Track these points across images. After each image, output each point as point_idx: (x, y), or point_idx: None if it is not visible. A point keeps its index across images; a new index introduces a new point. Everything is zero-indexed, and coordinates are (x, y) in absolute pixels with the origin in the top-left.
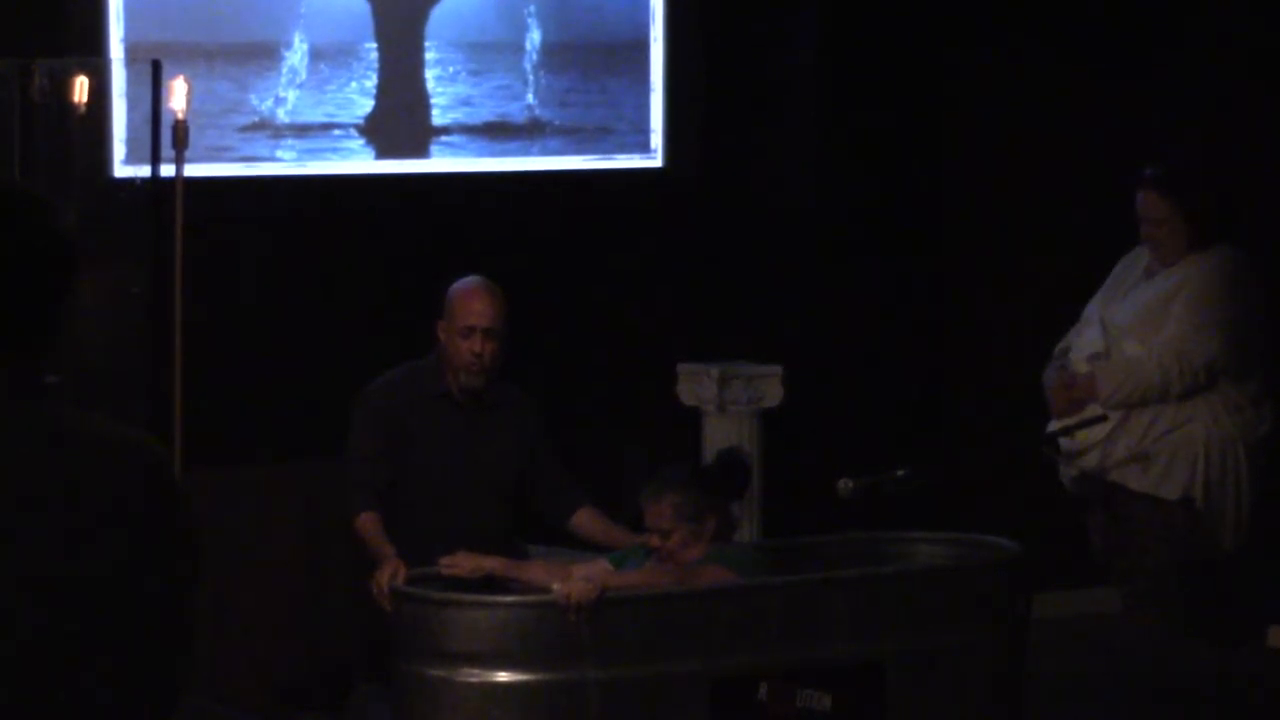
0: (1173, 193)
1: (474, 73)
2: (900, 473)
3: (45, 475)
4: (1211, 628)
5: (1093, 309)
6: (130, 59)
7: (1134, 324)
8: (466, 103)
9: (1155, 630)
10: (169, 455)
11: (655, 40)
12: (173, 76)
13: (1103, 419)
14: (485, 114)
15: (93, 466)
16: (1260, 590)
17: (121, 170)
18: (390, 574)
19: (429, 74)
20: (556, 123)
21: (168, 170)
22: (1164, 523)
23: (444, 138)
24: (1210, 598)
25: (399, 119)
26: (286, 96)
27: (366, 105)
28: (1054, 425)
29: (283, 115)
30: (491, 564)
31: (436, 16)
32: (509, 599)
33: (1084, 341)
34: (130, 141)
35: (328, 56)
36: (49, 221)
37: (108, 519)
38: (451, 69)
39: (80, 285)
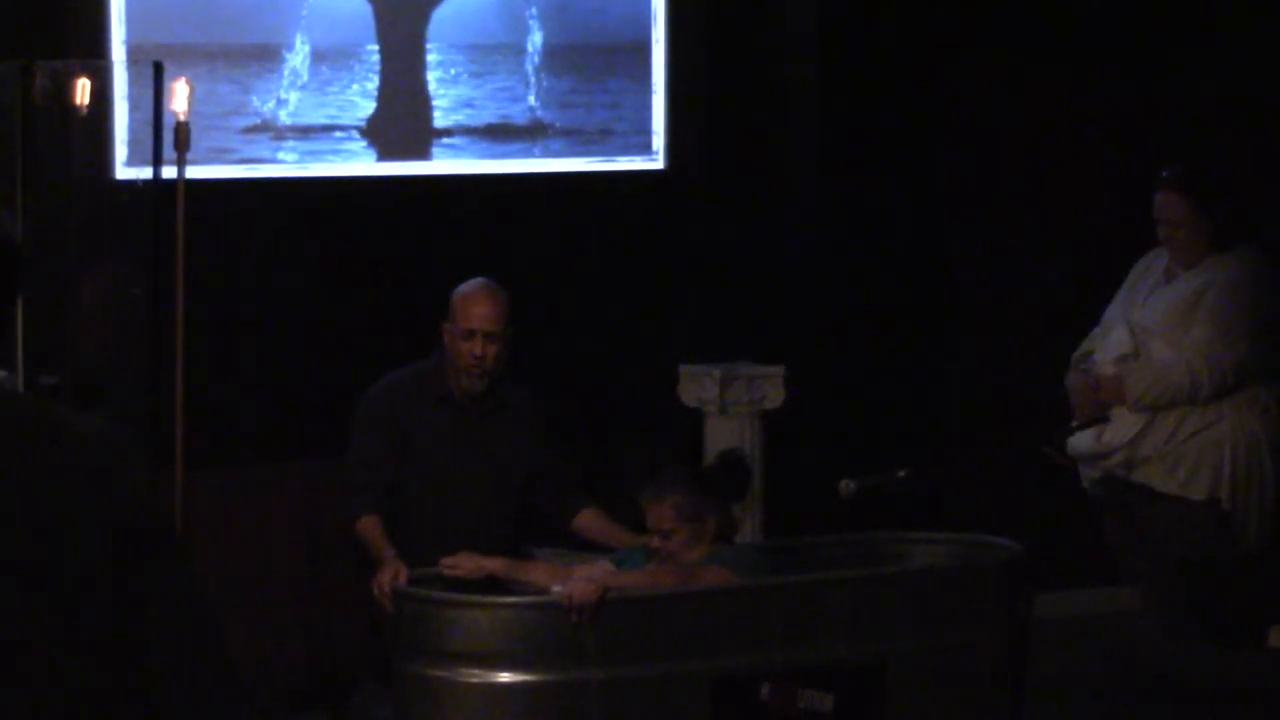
0: (1192, 193)
1: (475, 74)
2: (901, 473)
3: (17, 478)
4: (1218, 627)
5: (1113, 313)
6: (132, 61)
7: (1161, 326)
8: (468, 105)
9: (1167, 630)
10: (126, 445)
11: (657, 42)
12: (174, 78)
13: (1106, 420)
14: (487, 116)
15: (40, 455)
16: (1271, 590)
17: (123, 172)
18: (392, 575)
19: (430, 76)
20: (558, 125)
21: (169, 172)
22: (1189, 523)
23: (446, 140)
24: (1228, 598)
25: (401, 121)
26: (288, 98)
27: (368, 107)
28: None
29: (284, 117)
30: (493, 564)
31: (438, 18)
32: (511, 600)
33: (1110, 344)
34: (132, 143)
35: (329, 58)
36: None
37: (74, 517)
38: (453, 71)
39: (81, 287)
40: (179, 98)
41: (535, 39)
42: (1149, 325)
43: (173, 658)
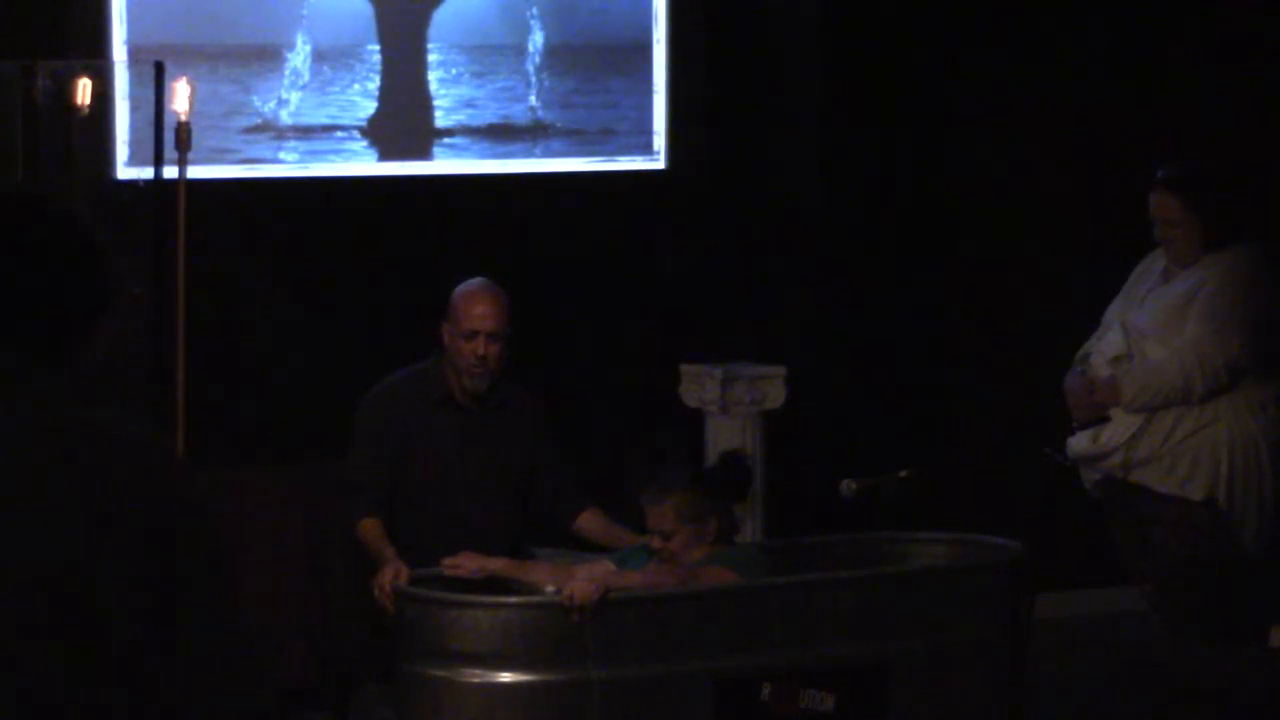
0: (1187, 193)
1: (477, 75)
2: (902, 473)
3: (62, 484)
4: (1218, 627)
5: (1112, 314)
6: (133, 61)
7: (1154, 327)
8: (469, 105)
9: (1168, 630)
10: (178, 455)
11: (658, 42)
12: (176, 78)
13: (1106, 420)
14: (488, 116)
15: (105, 471)
16: (1271, 590)
17: (124, 172)
18: (393, 575)
19: (432, 76)
20: (559, 125)
21: (170, 172)
22: (1188, 523)
23: (447, 140)
24: (1228, 598)
25: (402, 121)
26: (289, 98)
27: (369, 107)
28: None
29: (285, 117)
30: (495, 564)
31: (439, 18)
32: (512, 599)
33: (1105, 346)
34: (133, 143)
35: (330, 58)
36: (56, 226)
37: (118, 522)
38: (454, 71)
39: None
40: (180, 98)
41: (536, 39)
42: (1143, 326)
43: (198, 675)
